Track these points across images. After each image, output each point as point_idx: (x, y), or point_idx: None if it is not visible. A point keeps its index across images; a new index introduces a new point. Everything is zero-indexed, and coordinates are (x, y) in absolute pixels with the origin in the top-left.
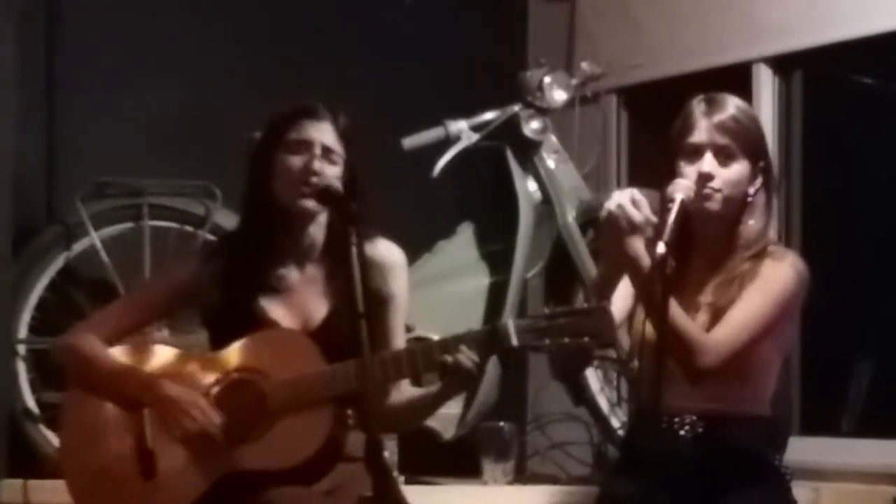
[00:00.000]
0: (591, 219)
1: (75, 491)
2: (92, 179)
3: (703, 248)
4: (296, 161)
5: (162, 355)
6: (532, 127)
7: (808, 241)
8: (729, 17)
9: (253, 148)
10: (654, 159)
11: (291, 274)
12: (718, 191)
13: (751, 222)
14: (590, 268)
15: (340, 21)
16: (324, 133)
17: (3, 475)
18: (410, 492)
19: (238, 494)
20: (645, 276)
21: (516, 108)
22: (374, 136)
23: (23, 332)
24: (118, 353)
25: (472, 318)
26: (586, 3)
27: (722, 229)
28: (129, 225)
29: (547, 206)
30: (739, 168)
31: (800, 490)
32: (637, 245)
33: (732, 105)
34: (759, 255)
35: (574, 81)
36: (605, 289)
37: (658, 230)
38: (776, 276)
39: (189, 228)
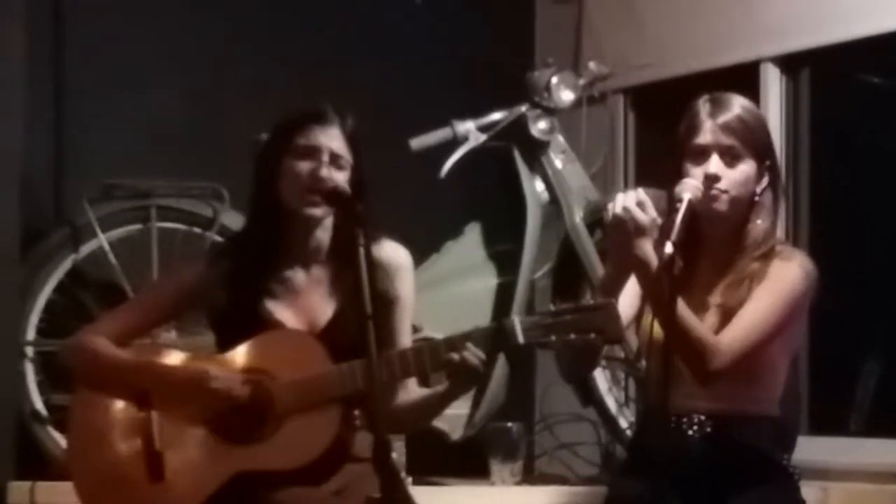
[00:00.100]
0: (598, 219)
1: (83, 493)
2: (99, 181)
3: (711, 248)
4: (304, 167)
5: (169, 357)
6: (539, 127)
7: (816, 240)
8: (736, 17)
9: (260, 150)
10: (661, 159)
11: (298, 276)
12: (725, 192)
13: (758, 222)
14: (597, 268)
15: (346, 22)
16: (332, 139)
17: (11, 477)
18: (418, 492)
19: (246, 495)
20: (653, 276)
21: (523, 108)
22: (382, 137)
23: (31, 334)
24: (127, 355)
25: (479, 319)
26: (593, 4)
27: (729, 230)
28: (136, 227)
29: (554, 207)
30: (746, 168)
31: (808, 490)
32: (645, 247)
33: (738, 105)
34: (768, 255)
35: (581, 81)
36: (612, 289)
37: (666, 230)
38: (785, 277)
39: (197, 230)
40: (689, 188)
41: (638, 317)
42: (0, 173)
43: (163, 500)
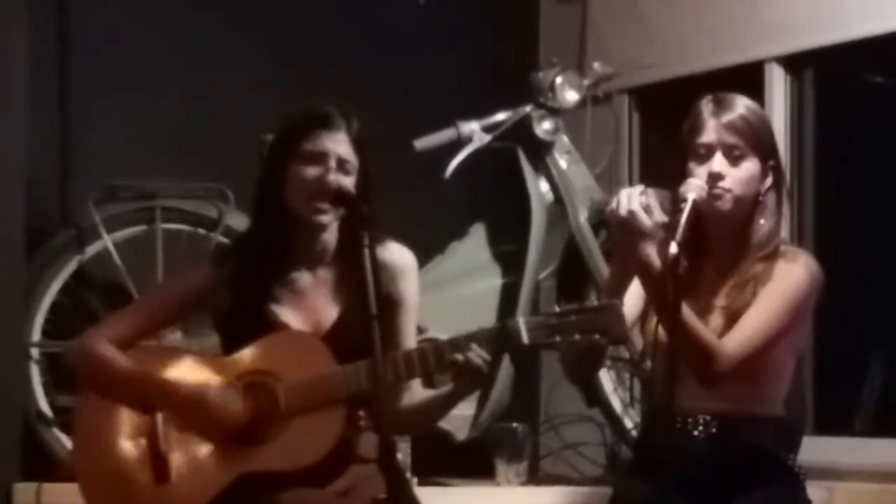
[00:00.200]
0: (603, 219)
1: (88, 494)
2: (104, 182)
3: (715, 249)
4: (311, 172)
5: (175, 359)
6: (544, 127)
7: (821, 239)
8: (741, 17)
9: (266, 154)
10: (665, 159)
11: (303, 278)
12: (729, 190)
13: (761, 222)
14: (602, 268)
15: (351, 22)
16: (338, 143)
17: (16, 478)
18: (424, 493)
19: (251, 496)
20: (656, 280)
21: (528, 108)
22: (385, 137)
23: (36, 335)
24: (131, 358)
25: (484, 320)
26: (597, 4)
27: (733, 230)
28: (141, 228)
29: (559, 207)
30: (749, 167)
31: (814, 490)
32: (648, 250)
33: (741, 105)
34: (772, 256)
35: (586, 82)
36: (617, 289)
37: (670, 231)
38: (790, 278)
39: (202, 231)
40: (694, 188)
41: (643, 317)
42: (5, 175)
43: (168, 501)
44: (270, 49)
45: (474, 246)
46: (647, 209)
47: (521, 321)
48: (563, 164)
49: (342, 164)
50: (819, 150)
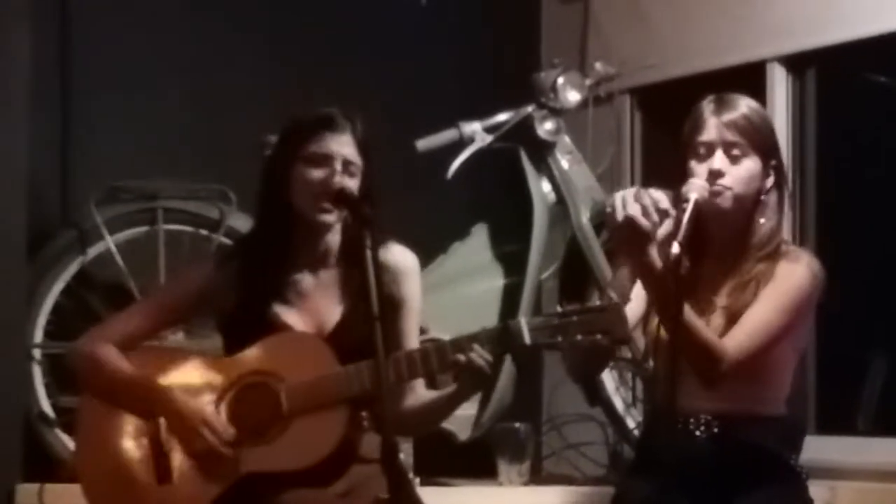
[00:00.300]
0: (605, 219)
1: (91, 495)
2: (106, 183)
3: (717, 248)
4: (316, 174)
5: (177, 360)
6: (546, 128)
7: (823, 239)
8: (742, 17)
9: (270, 156)
10: (667, 159)
11: (306, 279)
12: (729, 188)
13: (762, 221)
14: (604, 268)
15: (352, 23)
16: (343, 146)
17: (19, 479)
18: (426, 493)
19: (253, 497)
20: (658, 281)
21: (530, 108)
22: (387, 138)
23: (38, 336)
24: (134, 359)
25: (486, 320)
26: (599, 4)
27: (734, 229)
28: (143, 229)
29: (561, 207)
30: (750, 165)
31: (816, 489)
32: (649, 251)
33: (743, 104)
34: (774, 256)
35: (587, 82)
36: (625, 290)
37: (672, 230)
38: (792, 278)
39: (204, 232)
40: (696, 188)
41: (645, 317)
42: (7, 176)
43: (170, 501)
44: (271, 50)
45: (476, 246)
46: (644, 211)
47: (524, 321)
48: (564, 164)
49: (347, 166)
50: (821, 149)
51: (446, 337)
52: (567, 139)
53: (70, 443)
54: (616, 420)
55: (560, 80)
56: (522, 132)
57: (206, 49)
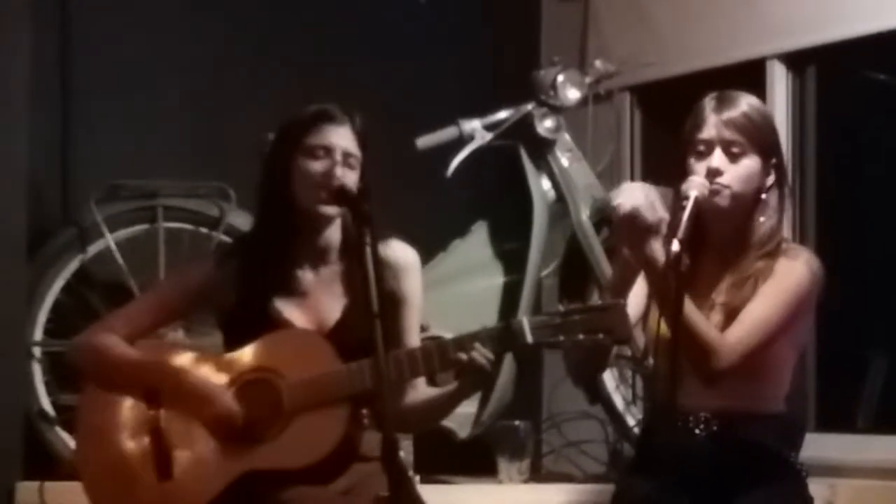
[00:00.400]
0: (605, 217)
1: (91, 492)
2: (106, 181)
3: (716, 246)
4: (317, 166)
5: (178, 356)
6: (545, 125)
7: (823, 236)
8: (742, 14)
9: (270, 149)
10: (667, 157)
11: (306, 275)
12: (727, 186)
13: (762, 220)
14: (604, 266)
15: (354, 21)
16: (343, 138)
17: (19, 477)
18: (426, 491)
19: (254, 494)
20: (661, 275)
21: (530, 106)
22: (388, 136)
23: (38, 334)
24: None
25: (486, 318)
26: (599, 2)
27: (734, 227)
28: (143, 227)
29: (561, 205)
30: (749, 164)
31: (816, 487)
32: (653, 245)
33: (744, 102)
34: (773, 254)
35: (587, 80)
36: (623, 286)
37: (672, 228)
38: (791, 275)
39: (203, 230)
40: (696, 185)
41: (645, 315)
42: (7, 174)
43: (171, 498)
44: (271, 49)
45: (476, 244)
46: (650, 205)
47: (525, 320)
48: (564, 162)
49: (347, 158)
50: (820, 147)
51: (447, 334)
52: (567, 137)
53: (70, 441)
54: (616, 418)
55: (560, 78)
56: (522, 130)
57: (205, 48)
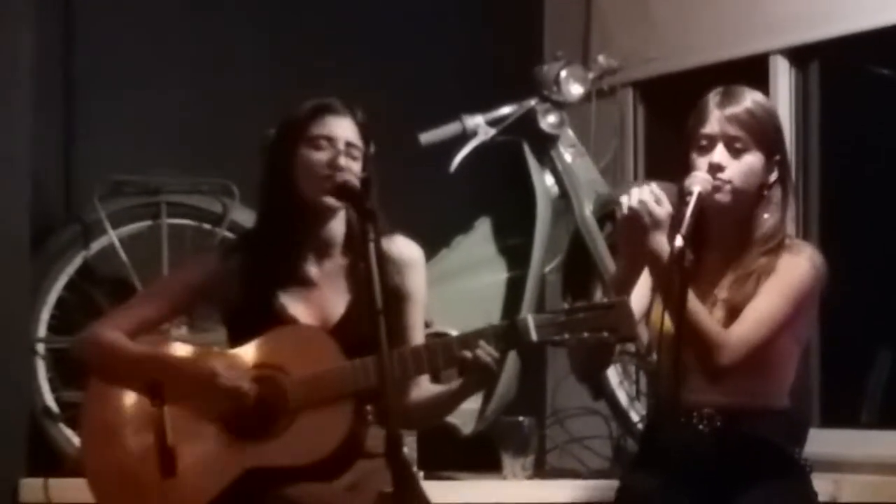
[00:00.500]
0: (608, 212)
1: (96, 489)
2: (109, 178)
3: (719, 242)
4: (320, 157)
5: (181, 352)
6: (548, 121)
7: (826, 231)
8: (745, 10)
9: (272, 141)
10: (670, 153)
11: (311, 270)
12: (728, 182)
13: (765, 216)
14: (608, 262)
15: (354, 18)
16: (346, 129)
17: (23, 474)
18: (430, 487)
19: (258, 491)
20: (665, 268)
21: (533, 102)
22: (391, 131)
23: (42, 331)
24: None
25: (490, 313)
26: None
27: (736, 223)
28: (146, 223)
29: (564, 201)
30: (751, 160)
31: (820, 482)
32: (660, 240)
33: (748, 98)
34: (776, 250)
35: (590, 75)
36: (625, 285)
37: (676, 223)
38: (793, 271)
39: (207, 226)
40: (699, 181)
41: (648, 310)
42: (10, 171)
43: (175, 494)
44: (273, 47)
45: (479, 240)
46: (656, 200)
47: (530, 318)
48: (567, 157)
49: (350, 149)
50: (824, 142)
51: (450, 330)
52: (570, 132)
53: (74, 437)
54: (620, 414)
55: (563, 74)
56: (525, 125)
57: (208, 45)
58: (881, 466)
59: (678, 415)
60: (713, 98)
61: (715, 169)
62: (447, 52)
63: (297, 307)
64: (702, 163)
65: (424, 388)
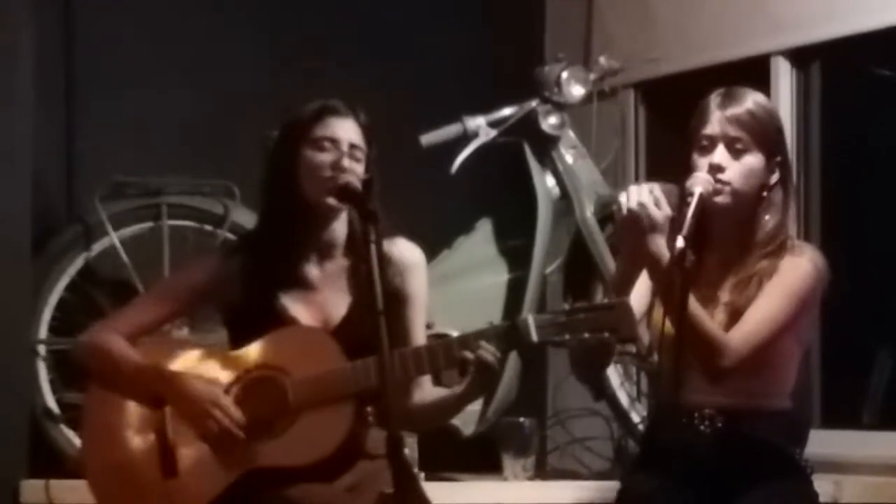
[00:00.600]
0: (609, 213)
1: (97, 490)
2: (111, 179)
3: (720, 244)
4: (324, 158)
5: (183, 352)
6: (550, 122)
7: (827, 232)
8: (746, 10)
9: (275, 143)
10: (671, 154)
11: (312, 271)
12: (728, 183)
13: (766, 218)
14: (608, 263)
15: (354, 19)
16: (349, 130)
17: (24, 475)
18: (431, 488)
19: (259, 491)
20: (665, 272)
21: (534, 103)
22: (392, 132)
23: (43, 332)
24: (140, 351)
25: (491, 314)
26: None
27: (737, 224)
28: (148, 224)
29: (565, 202)
30: (752, 161)
31: (821, 483)
32: (658, 242)
33: (750, 100)
34: (778, 251)
35: (591, 76)
36: (624, 286)
37: (677, 224)
38: (795, 272)
39: (208, 227)
40: (700, 182)
41: (649, 311)
42: (12, 172)
43: (175, 495)
44: (274, 48)
45: (480, 241)
46: (656, 202)
47: (531, 319)
48: (569, 158)
49: (353, 150)
50: (825, 142)
51: (451, 331)
52: (571, 134)
53: (75, 439)
54: (621, 415)
55: (564, 75)
56: (526, 127)
57: (209, 46)
58: (882, 467)
59: (679, 415)
60: (714, 99)
61: (715, 169)
62: (447, 53)
63: (298, 308)
64: (703, 163)
65: (428, 391)
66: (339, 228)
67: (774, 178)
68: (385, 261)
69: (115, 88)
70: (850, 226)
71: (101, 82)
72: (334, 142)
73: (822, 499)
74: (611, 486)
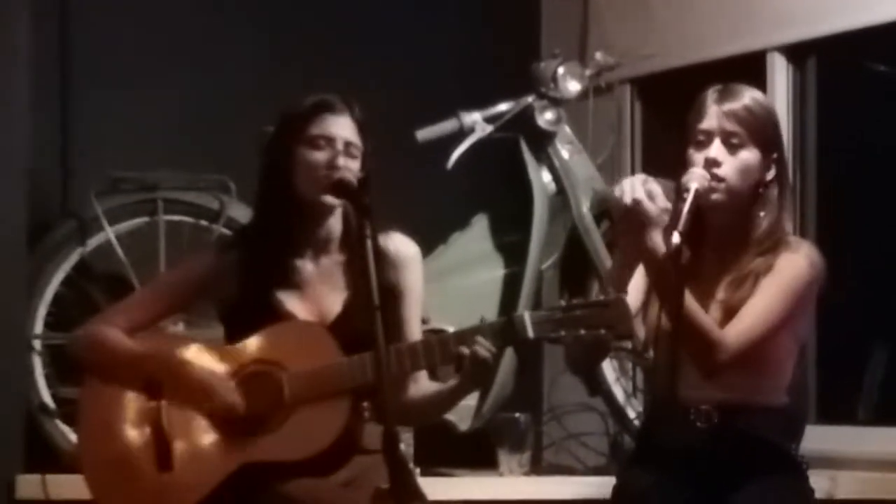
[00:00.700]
0: (605, 209)
1: (93, 485)
2: (106, 174)
3: (715, 241)
4: (319, 156)
5: (179, 347)
6: (546, 118)
7: (823, 229)
8: (742, 6)
9: (270, 140)
10: (668, 149)
11: (307, 266)
12: (723, 179)
13: (762, 214)
14: (605, 258)
15: (351, 15)
16: (344, 128)
17: (19, 470)
18: (426, 483)
19: (254, 485)
20: (661, 267)
21: (530, 99)
22: (391, 131)
23: (38, 327)
24: (136, 345)
25: (487, 310)
26: None
27: (732, 221)
28: (143, 220)
29: (561, 197)
30: (748, 156)
31: (816, 478)
32: (654, 237)
33: (747, 95)
34: (774, 248)
35: (588, 72)
36: (621, 281)
37: (673, 220)
38: (791, 268)
39: (204, 223)
40: (696, 178)
41: (645, 306)
42: (7, 167)
43: (171, 489)
44: (272, 44)
45: (476, 236)
46: (650, 196)
47: (527, 315)
48: (565, 154)
49: (348, 148)
50: (821, 139)
51: (447, 327)
52: (567, 129)
53: (71, 434)
54: (616, 410)
55: (560, 70)
56: (523, 122)
57: (206, 42)
58: (877, 463)
59: (675, 411)
60: (711, 94)
61: (711, 164)
62: (447, 52)
63: (294, 303)
64: (698, 157)
65: (423, 385)
66: (335, 224)
67: (771, 174)
68: (381, 256)
69: (111, 84)
70: (846, 222)
71: (97, 77)
72: (329, 140)
73: (817, 494)
74: (607, 482)
